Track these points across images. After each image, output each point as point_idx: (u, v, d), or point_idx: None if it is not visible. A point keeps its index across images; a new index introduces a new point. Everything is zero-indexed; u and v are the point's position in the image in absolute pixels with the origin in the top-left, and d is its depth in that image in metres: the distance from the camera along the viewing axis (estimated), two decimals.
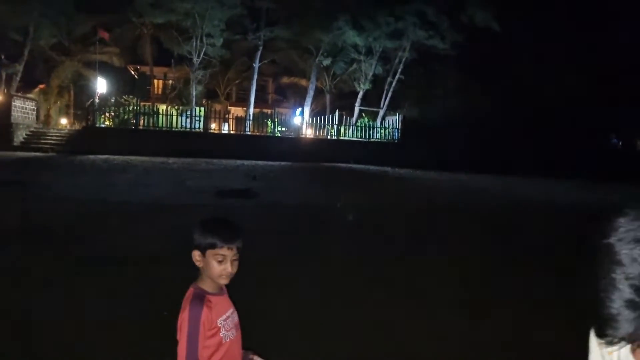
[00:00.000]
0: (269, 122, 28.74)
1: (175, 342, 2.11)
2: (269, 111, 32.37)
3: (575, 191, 19.29)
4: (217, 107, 32.67)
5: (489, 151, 24.91)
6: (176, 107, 29.10)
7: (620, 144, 34.04)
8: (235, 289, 2.36)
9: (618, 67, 28.45)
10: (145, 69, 34.66)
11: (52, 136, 25.45)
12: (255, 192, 14.91)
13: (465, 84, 28.68)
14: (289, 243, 9.15)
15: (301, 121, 29.58)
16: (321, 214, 12.46)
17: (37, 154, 22.29)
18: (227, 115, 32.00)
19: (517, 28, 27.19)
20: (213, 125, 29.25)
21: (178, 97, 32.47)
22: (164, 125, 26.50)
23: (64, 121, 30.35)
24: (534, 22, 27.67)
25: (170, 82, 35.61)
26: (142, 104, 28.99)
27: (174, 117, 26.92)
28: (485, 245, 9.40)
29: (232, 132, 29.49)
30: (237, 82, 35.63)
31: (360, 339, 4.89)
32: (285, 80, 34.69)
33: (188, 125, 26.83)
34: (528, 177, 22.49)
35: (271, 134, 27.99)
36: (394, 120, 29.11)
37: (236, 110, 34.71)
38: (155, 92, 34.99)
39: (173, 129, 26.33)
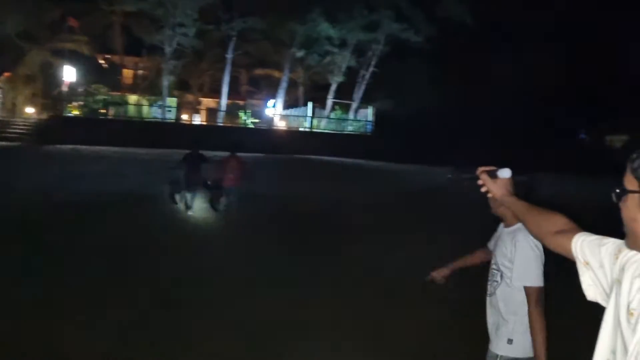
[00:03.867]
0: (241, 114, 28.54)
1: None
2: (242, 102, 32.15)
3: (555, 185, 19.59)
4: (189, 98, 32.29)
5: (463, 145, 25.10)
6: (147, 98, 28.66)
7: (588, 139, 34.84)
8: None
9: (589, 66, 29.03)
10: (116, 59, 33.97)
11: (19, 125, 24.84)
12: None
13: (439, 78, 28.83)
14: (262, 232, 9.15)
15: (274, 113, 29.47)
16: (291, 206, 12.48)
17: (3, 143, 21.74)
18: (198, 107, 31.66)
19: (493, 22, 27.47)
20: (185, 116, 28.95)
21: (149, 87, 31.97)
22: (134, 116, 26.09)
23: (31, 110, 29.60)
24: (509, 17, 27.97)
25: (141, 72, 35.00)
26: (112, 93, 28.46)
27: (145, 108, 26.54)
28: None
29: (203, 122, 29.22)
30: (209, 73, 35.15)
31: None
32: (258, 71, 34.36)
33: (159, 116, 26.47)
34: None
35: (244, 126, 27.80)
36: (368, 113, 29.21)
37: (208, 102, 34.35)
38: (126, 81, 34.37)
39: (144, 119, 25.95)
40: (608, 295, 1.39)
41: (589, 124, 33.88)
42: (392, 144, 24.94)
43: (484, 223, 3.05)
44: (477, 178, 1.95)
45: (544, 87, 27.88)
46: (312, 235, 9.21)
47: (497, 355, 2.60)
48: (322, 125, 28.48)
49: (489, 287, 2.70)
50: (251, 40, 29.84)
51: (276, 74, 32.59)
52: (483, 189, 1.96)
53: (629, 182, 1.29)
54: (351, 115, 29.64)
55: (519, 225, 2.51)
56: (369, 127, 28.87)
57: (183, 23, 26.75)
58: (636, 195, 1.25)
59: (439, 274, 3.01)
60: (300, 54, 29.11)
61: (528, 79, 27.95)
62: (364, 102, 30.11)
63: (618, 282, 1.35)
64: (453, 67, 28.26)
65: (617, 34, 28.53)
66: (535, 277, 2.47)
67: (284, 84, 30.12)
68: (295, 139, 26.32)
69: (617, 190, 1.30)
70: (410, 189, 16.83)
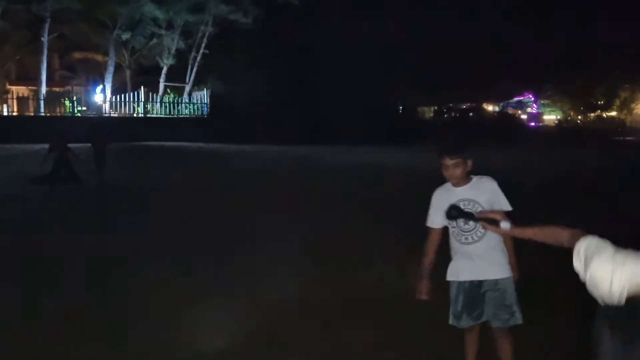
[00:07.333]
0: (66, 102, 26.35)
1: None
2: (60, 89, 29.64)
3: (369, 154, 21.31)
4: None
5: (291, 123, 26.00)
6: None
7: (402, 112, 38.33)
8: None
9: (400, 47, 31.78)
10: None
11: None
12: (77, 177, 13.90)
13: (266, 58, 29.38)
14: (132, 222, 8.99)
15: (103, 99, 27.68)
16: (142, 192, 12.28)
17: None
18: (6, 95, 28.43)
19: (317, 4, 28.67)
20: None
21: None
22: None
23: None
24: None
25: None
26: None
27: None
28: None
29: (14, 113, 26.40)
30: (16, 58, 31.57)
31: None
32: (77, 55, 31.70)
33: None
34: (333, 145, 24.16)
35: (70, 114, 25.74)
36: (202, 95, 28.89)
37: (19, 90, 30.93)
38: None
39: None
40: None
41: (402, 99, 37.20)
42: (230, 125, 25.07)
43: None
44: (474, 219, 2.50)
45: (366, 66, 29.98)
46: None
47: (496, 281, 3.03)
48: (157, 110, 27.52)
49: (468, 238, 3.03)
50: (67, 21, 27.46)
51: (98, 57, 30.48)
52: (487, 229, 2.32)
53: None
54: (185, 99, 29.02)
55: (476, 177, 3.06)
56: (205, 110, 28.58)
57: None
58: None
59: (425, 290, 3.09)
60: (125, 36, 27.64)
61: (350, 59, 29.74)
62: (198, 84, 29.67)
63: None
64: (280, 48, 29.01)
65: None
66: (507, 202, 3.02)
67: (110, 69, 28.39)
68: (130, 125, 25.10)
69: None
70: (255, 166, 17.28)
